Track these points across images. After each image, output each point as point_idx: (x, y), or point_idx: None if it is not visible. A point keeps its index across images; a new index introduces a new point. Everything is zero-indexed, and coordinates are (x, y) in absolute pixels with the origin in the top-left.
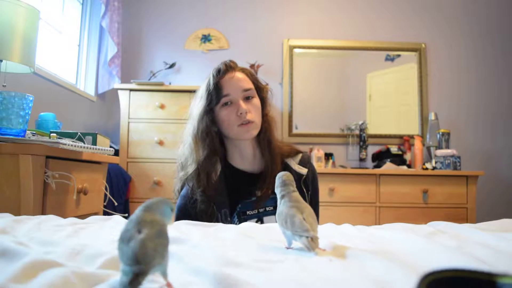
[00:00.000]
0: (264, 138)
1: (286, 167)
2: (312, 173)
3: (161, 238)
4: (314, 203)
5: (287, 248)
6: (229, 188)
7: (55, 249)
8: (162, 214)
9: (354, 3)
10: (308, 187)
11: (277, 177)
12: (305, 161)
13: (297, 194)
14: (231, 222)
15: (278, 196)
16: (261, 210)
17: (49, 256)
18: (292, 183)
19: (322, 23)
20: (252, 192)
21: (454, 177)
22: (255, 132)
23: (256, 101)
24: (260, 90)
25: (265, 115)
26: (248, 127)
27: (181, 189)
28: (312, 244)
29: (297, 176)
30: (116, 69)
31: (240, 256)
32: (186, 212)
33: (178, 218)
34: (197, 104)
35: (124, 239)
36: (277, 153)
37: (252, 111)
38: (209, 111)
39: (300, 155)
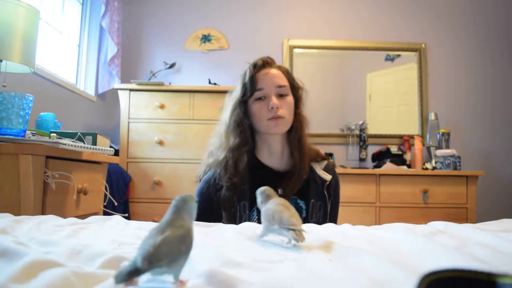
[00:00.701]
0: (295, 136)
1: (311, 171)
2: (336, 181)
3: (181, 244)
4: (334, 212)
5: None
6: (252, 182)
7: (55, 249)
8: (190, 212)
9: (354, 3)
10: (330, 194)
11: (258, 193)
12: (330, 168)
13: (283, 199)
14: (249, 216)
15: (261, 207)
16: None
17: (49, 256)
18: (275, 194)
19: (322, 23)
20: (275, 189)
21: (454, 177)
22: (284, 128)
23: (289, 99)
24: (295, 89)
25: (297, 114)
26: (277, 122)
27: (204, 174)
28: (300, 236)
29: (321, 181)
30: (116, 69)
31: (240, 256)
32: (208, 197)
33: (199, 203)
34: (232, 95)
35: (149, 236)
36: (306, 153)
37: (284, 108)
38: (243, 103)
39: (325, 162)
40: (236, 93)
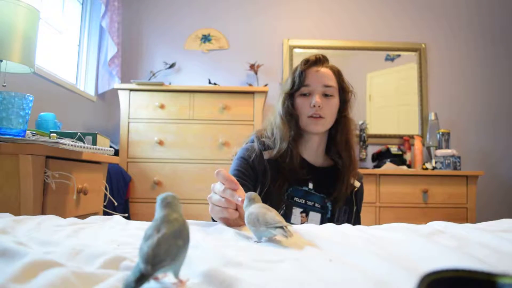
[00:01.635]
0: (341, 138)
1: None
2: (362, 190)
3: (178, 239)
4: (357, 219)
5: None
6: (291, 168)
7: (55, 249)
8: (180, 207)
9: (354, 3)
10: (357, 201)
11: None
12: (360, 177)
13: (264, 204)
14: (281, 199)
15: (244, 211)
16: (309, 203)
17: (49, 256)
18: (259, 200)
19: (322, 23)
20: (306, 182)
21: (454, 177)
22: (322, 128)
23: (334, 100)
24: (344, 90)
25: (343, 116)
26: (317, 121)
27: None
28: (289, 231)
29: (350, 186)
30: (116, 69)
31: (240, 256)
32: (250, 163)
33: (239, 161)
34: (284, 87)
35: (146, 236)
36: (355, 157)
37: (326, 108)
38: (291, 96)
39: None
40: (286, 85)
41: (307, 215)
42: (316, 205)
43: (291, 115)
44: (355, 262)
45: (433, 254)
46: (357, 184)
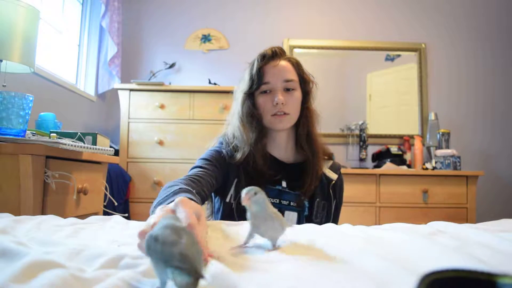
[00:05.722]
0: (303, 131)
1: None
2: (341, 182)
3: (197, 245)
4: (336, 214)
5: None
6: (257, 170)
7: (55, 249)
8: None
9: (354, 3)
10: (335, 194)
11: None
12: (336, 168)
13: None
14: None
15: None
16: (284, 202)
17: (49, 256)
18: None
19: (322, 23)
20: (279, 181)
21: (454, 177)
22: (288, 124)
23: (297, 93)
24: (305, 82)
25: (305, 108)
26: (281, 119)
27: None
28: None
29: (327, 180)
30: (116, 69)
31: (240, 256)
32: (219, 159)
33: (208, 154)
34: (241, 86)
35: (167, 242)
36: (318, 148)
37: (289, 103)
38: (250, 95)
39: (331, 161)
40: (244, 84)
41: (282, 215)
42: (292, 203)
43: (252, 115)
44: (355, 262)
45: (433, 254)
46: (333, 176)
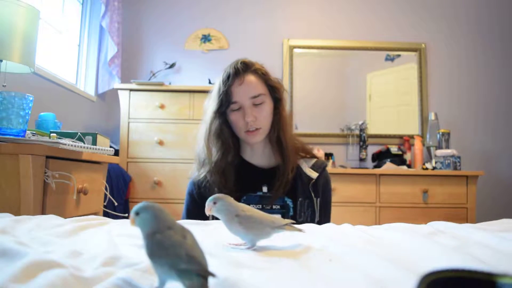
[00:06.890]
0: (273, 137)
1: (297, 169)
2: (325, 180)
3: (192, 237)
4: (325, 212)
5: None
6: (237, 179)
7: (55, 249)
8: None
9: (354, 3)
10: (317, 193)
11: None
12: (318, 166)
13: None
14: None
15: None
16: (267, 207)
17: (49, 256)
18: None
19: (322, 23)
20: (260, 187)
21: (454, 177)
22: (261, 137)
23: (266, 106)
24: (274, 90)
25: (276, 114)
26: (254, 134)
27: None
28: (296, 228)
29: (307, 179)
30: (116, 69)
31: (240, 256)
32: (197, 196)
33: (188, 202)
34: (210, 104)
35: (174, 242)
36: (290, 152)
37: (260, 118)
38: (221, 114)
39: (314, 160)
40: (213, 102)
41: None
42: (274, 207)
43: (219, 135)
44: (355, 262)
45: (433, 254)
46: (313, 175)
